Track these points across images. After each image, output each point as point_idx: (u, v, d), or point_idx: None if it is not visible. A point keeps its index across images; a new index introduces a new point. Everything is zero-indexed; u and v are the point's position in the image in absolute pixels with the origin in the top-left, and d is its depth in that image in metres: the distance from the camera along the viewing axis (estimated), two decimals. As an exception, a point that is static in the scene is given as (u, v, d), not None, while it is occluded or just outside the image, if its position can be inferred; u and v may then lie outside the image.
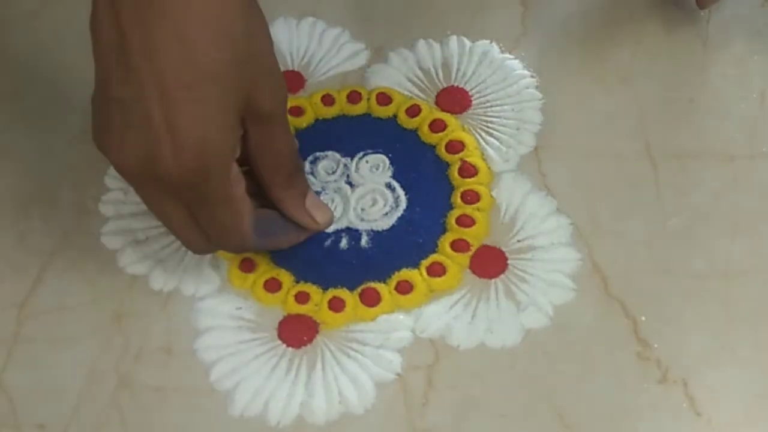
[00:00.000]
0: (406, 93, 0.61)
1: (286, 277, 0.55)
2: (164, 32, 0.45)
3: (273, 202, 0.53)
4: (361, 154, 0.58)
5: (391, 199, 0.57)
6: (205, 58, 0.45)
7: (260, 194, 0.52)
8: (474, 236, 0.55)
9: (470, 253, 0.55)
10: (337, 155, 0.58)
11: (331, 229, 0.56)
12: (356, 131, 0.59)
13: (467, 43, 0.63)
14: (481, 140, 0.59)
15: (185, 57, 0.45)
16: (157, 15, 0.45)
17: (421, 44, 0.63)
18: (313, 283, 0.54)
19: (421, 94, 0.61)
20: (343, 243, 0.56)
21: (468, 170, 0.57)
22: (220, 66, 0.46)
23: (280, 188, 0.52)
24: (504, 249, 0.55)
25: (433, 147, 0.59)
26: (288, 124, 0.51)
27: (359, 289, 0.54)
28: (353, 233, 0.56)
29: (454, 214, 0.56)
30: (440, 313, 0.53)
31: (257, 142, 0.50)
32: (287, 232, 0.54)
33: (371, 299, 0.53)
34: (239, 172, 0.49)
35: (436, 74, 0.61)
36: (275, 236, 0.54)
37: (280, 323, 0.53)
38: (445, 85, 0.61)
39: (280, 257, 0.55)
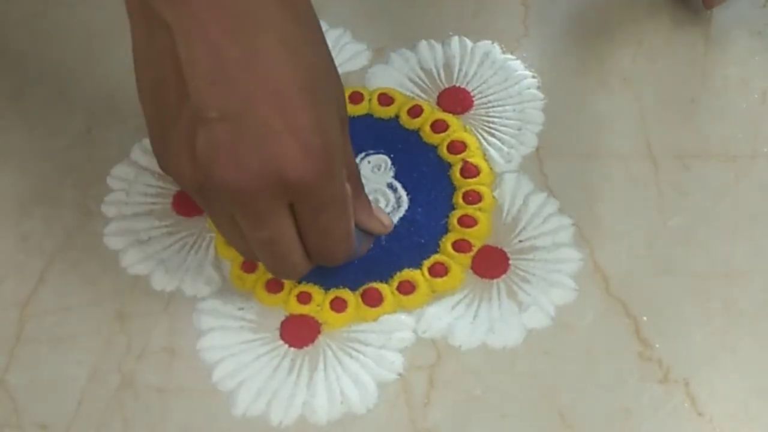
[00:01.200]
0: (407, 93, 0.61)
1: (288, 278, 0.55)
2: (267, 40, 0.43)
3: None
4: (363, 154, 0.58)
5: (392, 200, 0.57)
6: (313, 58, 0.45)
7: None
8: (476, 236, 0.55)
9: (472, 254, 0.55)
10: (339, 156, 0.59)
11: (333, 230, 0.56)
12: (358, 132, 0.59)
13: (469, 43, 0.63)
14: (482, 141, 0.59)
15: (295, 59, 0.44)
16: (256, 25, 0.43)
17: (423, 45, 0.63)
18: (315, 283, 0.54)
19: (422, 95, 0.61)
20: (345, 243, 0.56)
21: (470, 171, 0.57)
22: (325, 64, 0.46)
23: (353, 197, 0.50)
24: (506, 249, 0.55)
25: (434, 147, 0.59)
26: None
27: (361, 290, 0.54)
28: (355, 233, 0.56)
29: (456, 214, 0.56)
30: (442, 313, 0.53)
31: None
32: (361, 240, 0.53)
33: (373, 299, 0.54)
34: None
35: (438, 75, 0.62)
36: (357, 246, 0.53)
37: (282, 323, 0.54)
38: (446, 86, 0.61)
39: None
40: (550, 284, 0.54)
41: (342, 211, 0.48)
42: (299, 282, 0.54)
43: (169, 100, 0.45)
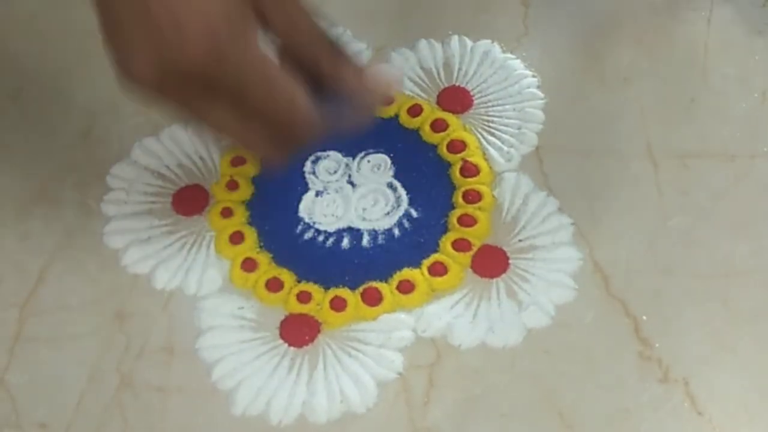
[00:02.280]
0: (407, 93, 0.61)
1: (287, 277, 0.55)
2: None
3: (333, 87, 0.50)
4: (363, 153, 0.59)
5: (392, 199, 0.57)
6: None
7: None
8: (475, 236, 0.55)
9: (472, 253, 0.55)
10: (339, 155, 0.59)
11: (332, 229, 0.56)
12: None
13: (469, 42, 0.63)
14: (482, 140, 0.59)
15: None
16: None
17: (423, 44, 0.63)
18: (315, 282, 0.54)
19: (422, 94, 0.61)
20: (345, 242, 0.56)
21: (469, 170, 0.57)
22: None
23: (329, 64, 0.49)
24: (505, 248, 0.55)
25: (434, 146, 0.59)
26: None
27: (361, 289, 0.54)
28: (355, 233, 0.56)
29: (456, 213, 0.56)
30: (442, 312, 0.53)
31: (280, 21, 0.48)
32: (341, 109, 0.50)
33: (373, 299, 0.54)
34: (267, 52, 0.47)
35: (438, 74, 0.62)
36: (341, 114, 0.50)
37: (282, 323, 0.53)
38: (446, 85, 0.61)
39: (281, 257, 0.55)
40: (549, 284, 0.54)
41: (266, 85, 0.47)
42: (299, 281, 0.54)
43: None
